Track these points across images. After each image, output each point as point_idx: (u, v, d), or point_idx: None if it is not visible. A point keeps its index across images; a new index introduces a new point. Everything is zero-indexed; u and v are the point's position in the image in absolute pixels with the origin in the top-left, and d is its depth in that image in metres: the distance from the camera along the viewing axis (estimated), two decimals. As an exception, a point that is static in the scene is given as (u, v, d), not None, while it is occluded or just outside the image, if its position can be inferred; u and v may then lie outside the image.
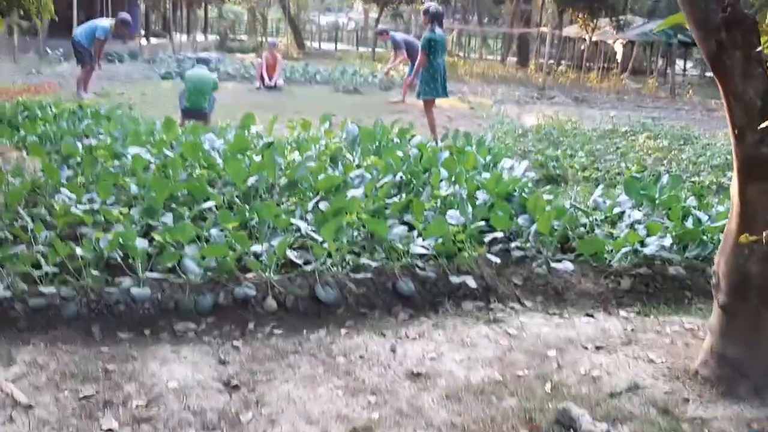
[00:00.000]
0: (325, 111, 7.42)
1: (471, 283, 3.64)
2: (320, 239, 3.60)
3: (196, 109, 7.81)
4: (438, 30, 7.69)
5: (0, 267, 3.30)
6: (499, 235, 4.06)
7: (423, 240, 3.76)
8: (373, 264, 3.59)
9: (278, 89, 12.88)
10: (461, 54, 28.69)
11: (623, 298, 3.95)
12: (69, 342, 3.03)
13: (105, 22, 10.33)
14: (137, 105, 9.69)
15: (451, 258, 3.84)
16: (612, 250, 4.07)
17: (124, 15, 10.24)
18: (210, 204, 4.05)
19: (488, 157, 5.84)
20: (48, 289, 3.21)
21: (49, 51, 17.74)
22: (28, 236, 3.62)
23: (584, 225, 4.54)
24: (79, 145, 5.49)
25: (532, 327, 3.33)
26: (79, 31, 10.43)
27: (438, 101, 8.49)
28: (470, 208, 4.10)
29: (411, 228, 4.00)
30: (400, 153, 5.41)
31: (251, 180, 4.40)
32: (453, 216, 4.07)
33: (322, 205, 4.12)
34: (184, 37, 27.77)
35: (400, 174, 4.88)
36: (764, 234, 2.31)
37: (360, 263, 3.60)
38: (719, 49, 2.23)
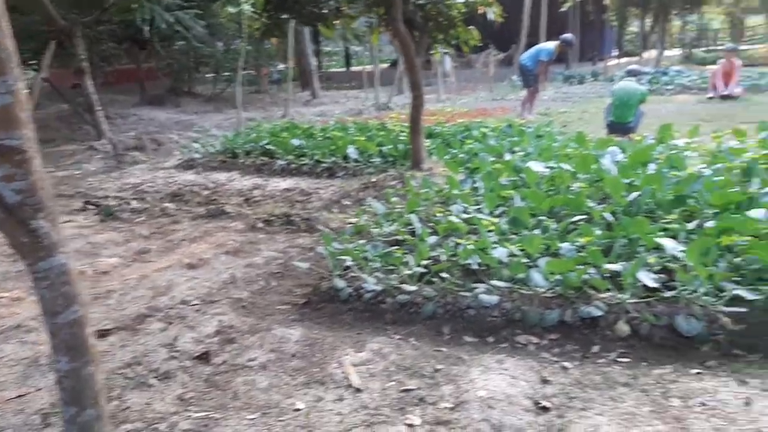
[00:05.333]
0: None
1: None
2: (689, 262, 3.13)
3: (620, 123, 7.56)
4: None
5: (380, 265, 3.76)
6: None
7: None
8: (754, 297, 2.95)
9: (734, 98, 11.56)
10: None
11: None
12: (419, 338, 3.25)
13: (549, 45, 10.77)
14: (573, 123, 9.83)
15: None
16: None
17: (567, 35, 10.52)
18: (580, 218, 3.89)
19: None
20: (411, 288, 3.52)
21: (514, 78, 19.33)
22: (413, 240, 4.03)
23: None
24: (491, 159, 5.87)
25: None
26: (525, 55, 11.11)
27: None
28: None
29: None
30: None
31: (633, 195, 4.06)
32: None
33: (710, 225, 3.56)
34: (654, 54, 27.08)
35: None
36: None
37: (737, 295, 3.01)
38: None
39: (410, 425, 2.48)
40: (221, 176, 7.55)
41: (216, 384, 2.90)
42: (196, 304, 3.79)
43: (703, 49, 29.65)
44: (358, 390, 2.75)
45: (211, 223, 5.50)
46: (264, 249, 4.70)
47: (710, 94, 12.05)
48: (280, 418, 2.59)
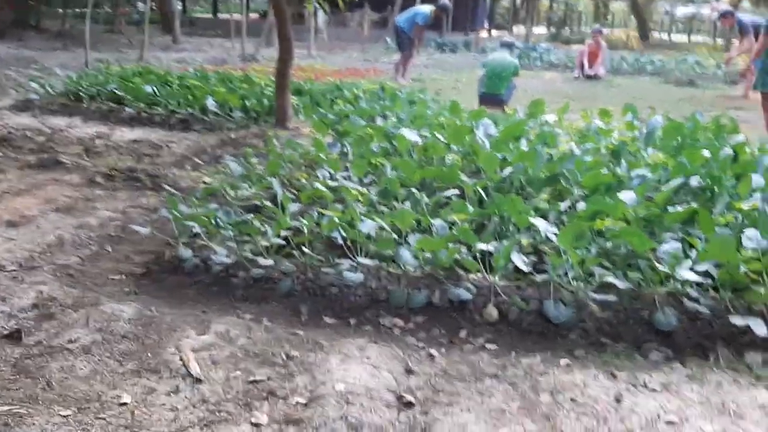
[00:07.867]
0: (644, 104, 6.53)
1: (760, 329, 2.69)
2: (561, 246, 2.98)
3: (492, 95, 7.49)
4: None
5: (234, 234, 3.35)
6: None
7: (697, 264, 2.90)
8: (623, 285, 2.86)
9: (598, 79, 11.98)
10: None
11: None
12: (273, 319, 2.90)
13: (426, 9, 10.55)
14: (445, 91, 9.73)
15: (740, 293, 2.92)
16: None
17: (445, 1, 10.34)
18: (453, 192, 3.67)
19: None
20: (267, 262, 3.16)
21: (388, 40, 19.09)
22: (273, 207, 3.64)
23: None
24: (362, 123, 5.56)
25: (842, 407, 2.32)
26: (401, 17, 10.84)
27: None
28: (777, 229, 3.07)
29: (691, 246, 3.14)
30: (706, 153, 4.41)
31: (507, 171, 3.90)
32: (751, 237, 3.10)
33: (581, 206, 3.46)
34: (523, 29, 27.77)
35: (697, 178, 3.94)
36: None
37: (607, 281, 2.90)
38: None
39: (256, 424, 2.15)
40: (60, 121, 6.72)
41: (26, 370, 2.41)
42: (13, 270, 3.23)
43: (567, 29, 30.81)
44: (197, 380, 2.37)
45: (43, 174, 4.81)
46: (101, 208, 4.14)
47: (576, 74, 12.41)
48: (100, 415, 2.17)
